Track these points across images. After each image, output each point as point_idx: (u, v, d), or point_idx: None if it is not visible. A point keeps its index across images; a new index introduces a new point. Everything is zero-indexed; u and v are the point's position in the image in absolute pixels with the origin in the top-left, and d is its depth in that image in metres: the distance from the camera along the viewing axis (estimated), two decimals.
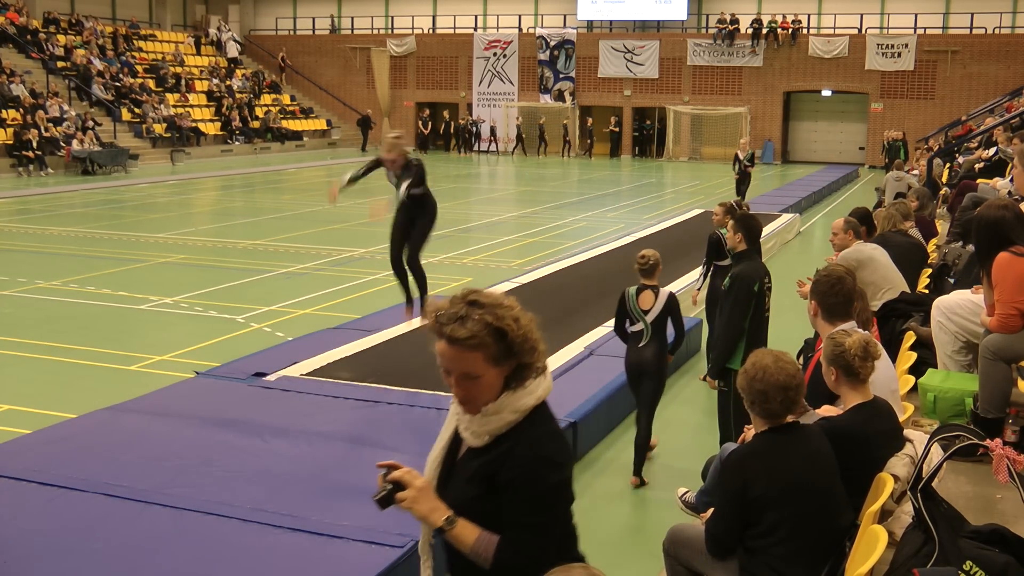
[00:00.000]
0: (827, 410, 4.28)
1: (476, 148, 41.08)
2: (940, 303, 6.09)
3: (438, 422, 7.33)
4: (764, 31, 37.94)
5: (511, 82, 41.63)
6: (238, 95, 39.61)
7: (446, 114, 42.17)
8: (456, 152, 41.06)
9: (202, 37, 43.20)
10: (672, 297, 6.77)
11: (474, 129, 41.00)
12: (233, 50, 43.47)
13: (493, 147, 40.79)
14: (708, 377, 6.93)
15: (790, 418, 3.77)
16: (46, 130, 29.25)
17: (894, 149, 30.27)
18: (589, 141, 39.95)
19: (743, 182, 20.28)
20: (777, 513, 3.61)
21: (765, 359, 3.77)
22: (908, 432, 4.27)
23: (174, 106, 36.02)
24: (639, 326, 6.71)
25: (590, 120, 40.13)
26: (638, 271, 6.77)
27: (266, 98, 41.19)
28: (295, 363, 8.41)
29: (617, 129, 39.74)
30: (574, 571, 2.19)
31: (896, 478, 3.83)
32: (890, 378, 4.69)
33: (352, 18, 44.57)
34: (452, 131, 41.84)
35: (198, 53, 42.17)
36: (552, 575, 2.18)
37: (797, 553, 3.60)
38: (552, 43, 40.78)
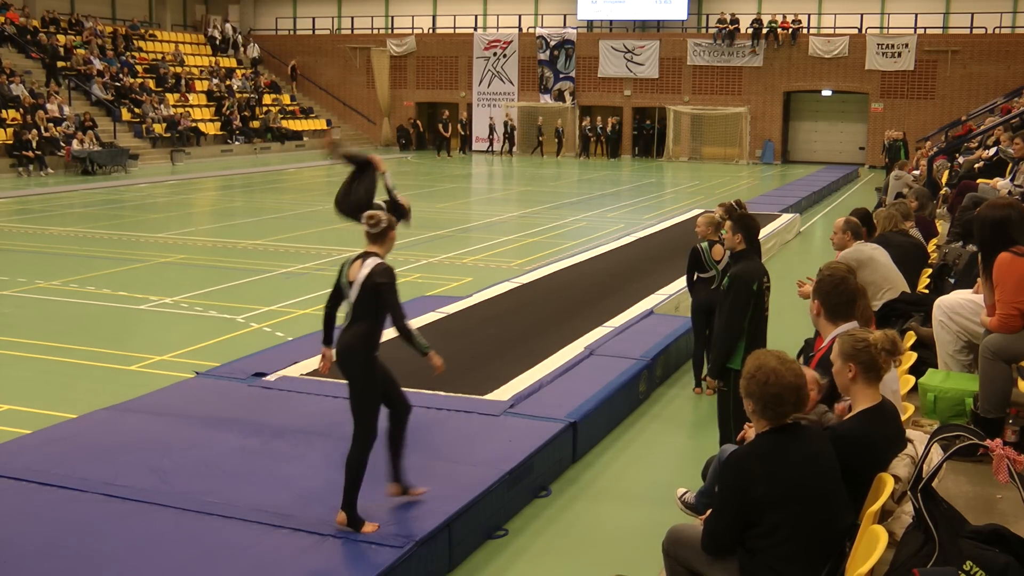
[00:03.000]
0: (842, 408, 4.20)
1: (474, 148, 40.98)
2: (941, 303, 6.09)
3: (437, 422, 7.35)
4: (764, 31, 37.93)
5: (511, 82, 41.61)
6: (238, 95, 39.61)
7: (460, 114, 41.99)
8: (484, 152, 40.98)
9: (212, 37, 43.20)
10: None
11: (490, 130, 40.77)
12: (254, 51, 43.57)
13: (491, 147, 40.69)
14: (707, 376, 6.97)
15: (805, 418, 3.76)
16: (46, 130, 29.25)
17: (894, 149, 30.21)
18: (583, 141, 39.86)
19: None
20: (778, 513, 3.60)
21: (771, 362, 3.73)
22: (908, 432, 4.26)
23: (174, 106, 36.02)
24: (711, 273, 8.45)
25: (586, 120, 40.07)
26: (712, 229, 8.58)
27: (266, 98, 41.18)
28: (295, 363, 8.40)
29: (611, 131, 39.56)
30: None
31: (897, 478, 3.82)
32: (891, 378, 4.68)
33: (352, 18, 44.56)
34: (455, 131, 41.74)
35: (214, 54, 42.20)
36: None
37: (797, 553, 3.60)
38: (552, 43, 40.76)
